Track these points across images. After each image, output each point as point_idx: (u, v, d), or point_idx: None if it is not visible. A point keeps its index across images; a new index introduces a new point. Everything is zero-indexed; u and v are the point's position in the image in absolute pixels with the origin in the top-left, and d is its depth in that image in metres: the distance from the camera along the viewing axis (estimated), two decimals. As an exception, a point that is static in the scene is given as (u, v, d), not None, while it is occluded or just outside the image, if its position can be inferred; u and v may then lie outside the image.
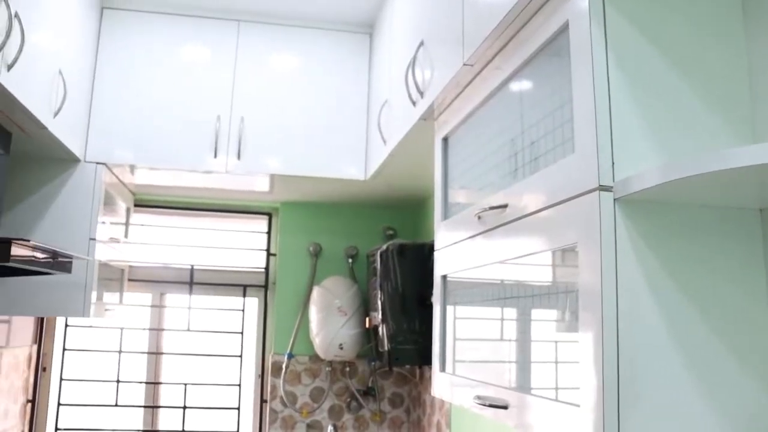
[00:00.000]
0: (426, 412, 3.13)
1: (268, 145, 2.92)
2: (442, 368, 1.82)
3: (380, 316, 2.93)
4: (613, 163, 1.07)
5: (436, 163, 1.97)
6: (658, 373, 1.02)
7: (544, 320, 1.26)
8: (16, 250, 1.83)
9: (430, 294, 2.79)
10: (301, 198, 3.44)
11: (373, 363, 3.42)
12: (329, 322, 3.23)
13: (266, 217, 3.68)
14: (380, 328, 2.95)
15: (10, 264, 1.85)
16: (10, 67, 1.92)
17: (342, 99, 3.00)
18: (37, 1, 2.14)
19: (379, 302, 2.95)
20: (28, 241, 1.82)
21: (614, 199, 1.05)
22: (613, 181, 1.06)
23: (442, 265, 1.85)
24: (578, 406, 1.06)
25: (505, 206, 1.40)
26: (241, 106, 2.93)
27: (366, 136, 2.97)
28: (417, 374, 3.31)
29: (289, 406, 3.35)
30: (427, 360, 2.91)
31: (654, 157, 1.09)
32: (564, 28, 1.22)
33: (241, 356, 3.52)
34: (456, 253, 1.74)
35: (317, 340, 3.26)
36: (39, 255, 2.04)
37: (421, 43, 2.06)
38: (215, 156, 2.85)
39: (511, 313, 1.41)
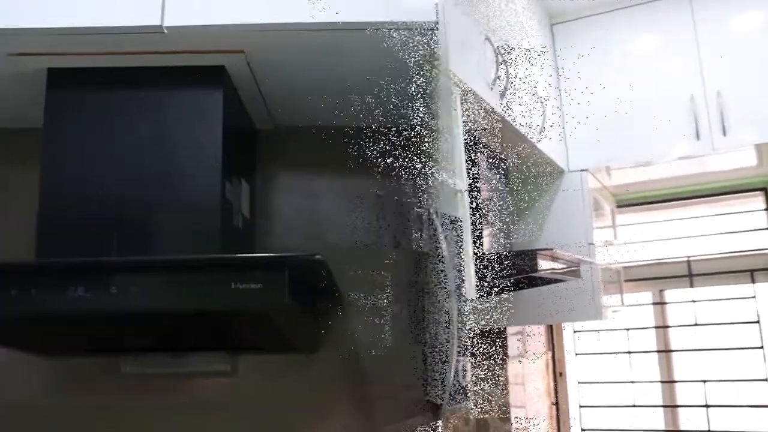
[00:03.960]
0: None
1: (751, 114, 2.63)
2: None
3: None
4: None
5: None
6: None
7: None
8: (542, 262, 1.95)
9: None
10: (800, 163, 3.03)
11: None
12: None
13: (760, 192, 3.33)
14: None
15: (537, 274, 1.98)
16: (502, 96, 2.09)
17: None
18: (512, 33, 2.32)
19: None
20: (551, 249, 1.93)
21: None
22: None
23: None
24: None
25: None
26: (713, 80, 2.70)
27: None
28: None
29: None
30: None
31: None
32: None
33: (762, 347, 3.21)
34: None
35: None
36: (557, 265, 2.14)
37: None
38: (698, 138, 2.68)
39: None
